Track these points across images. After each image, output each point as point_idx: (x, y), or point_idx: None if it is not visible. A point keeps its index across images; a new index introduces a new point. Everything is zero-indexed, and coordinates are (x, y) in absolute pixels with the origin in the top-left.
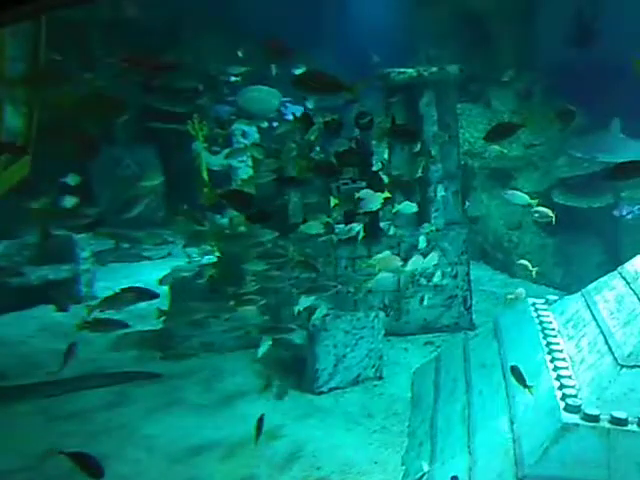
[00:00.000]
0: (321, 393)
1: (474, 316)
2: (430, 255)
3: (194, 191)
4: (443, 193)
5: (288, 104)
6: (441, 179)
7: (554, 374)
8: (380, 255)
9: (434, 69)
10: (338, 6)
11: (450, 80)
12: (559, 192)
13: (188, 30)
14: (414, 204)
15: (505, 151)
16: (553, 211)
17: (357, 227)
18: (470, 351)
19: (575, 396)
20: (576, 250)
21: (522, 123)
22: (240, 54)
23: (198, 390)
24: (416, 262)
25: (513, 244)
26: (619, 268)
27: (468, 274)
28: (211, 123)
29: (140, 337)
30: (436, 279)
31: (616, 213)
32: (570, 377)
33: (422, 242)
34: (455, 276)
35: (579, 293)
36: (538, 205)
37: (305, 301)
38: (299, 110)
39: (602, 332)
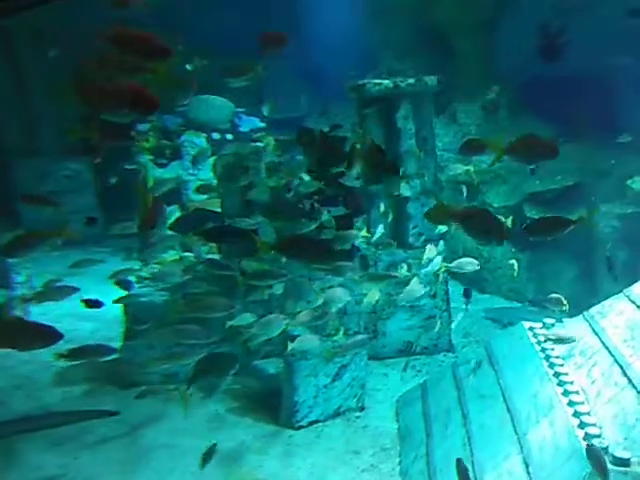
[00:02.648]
0: (300, 427)
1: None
2: (412, 281)
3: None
4: (421, 210)
5: (242, 115)
6: (418, 195)
7: (570, 410)
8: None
9: (411, 80)
10: (295, 18)
11: (428, 92)
12: (531, 206)
13: None
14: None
15: (471, 169)
16: (514, 222)
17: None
18: (462, 379)
19: (599, 436)
20: (549, 265)
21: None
22: (189, 67)
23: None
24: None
25: (483, 259)
26: (625, 291)
27: (447, 293)
28: (158, 134)
29: (90, 368)
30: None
31: None
32: (589, 413)
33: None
34: (434, 295)
35: (580, 317)
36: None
37: (244, 318)
38: (253, 121)
39: (617, 362)
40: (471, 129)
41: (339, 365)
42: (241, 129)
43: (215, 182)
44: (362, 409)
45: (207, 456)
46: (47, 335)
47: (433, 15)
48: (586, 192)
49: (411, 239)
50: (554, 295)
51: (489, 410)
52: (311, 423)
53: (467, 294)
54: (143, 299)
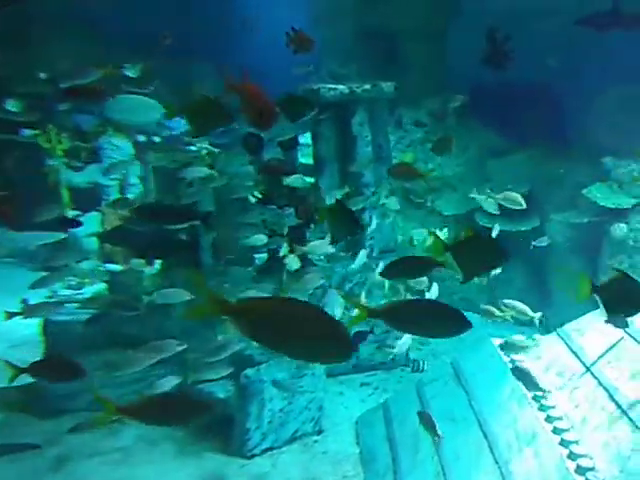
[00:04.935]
0: (253, 456)
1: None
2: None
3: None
4: (378, 220)
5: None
6: (375, 204)
7: (556, 438)
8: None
9: (367, 86)
10: (232, 19)
11: (383, 98)
12: (483, 215)
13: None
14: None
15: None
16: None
17: (294, 259)
18: (429, 400)
19: (593, 469)
20: (499, 274)
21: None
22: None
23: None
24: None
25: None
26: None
27: None
28: (72, 135)
29: (6, 395)
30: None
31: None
32: (577, 442)
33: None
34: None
35: (554, 334)
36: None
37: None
38: (185, 124)
39: (602, 385)
40: (418, 136)
41: (296, 387)
42: (172, 131)
43: (140, 186)
44: (320, 432)
45: None
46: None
47: (378, 19)
48: (537, 201)
49: (368, 250)
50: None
51: (463, 435)
52: (265, 451)
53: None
54: (65, 318)
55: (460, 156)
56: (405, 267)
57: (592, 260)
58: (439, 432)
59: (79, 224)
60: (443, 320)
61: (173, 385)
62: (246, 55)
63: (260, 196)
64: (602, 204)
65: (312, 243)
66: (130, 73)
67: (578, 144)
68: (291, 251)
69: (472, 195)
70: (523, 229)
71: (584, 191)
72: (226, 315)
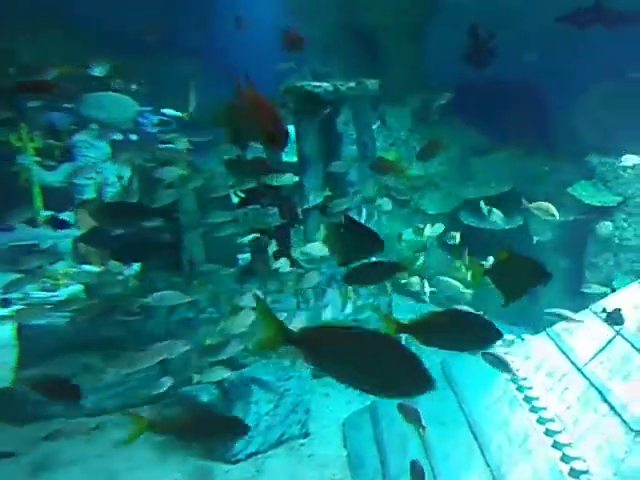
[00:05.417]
0: (238, 461)
1: None
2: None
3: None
4: (364, 220)
5: (147, 114)
6: (360, 203)
7: (548, 440)
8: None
9: (352, 84)
10: (209, 15)
11: (368, 96)
12: (467, 213)
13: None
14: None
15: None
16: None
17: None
18: (418, 401)
19: (587, 472)
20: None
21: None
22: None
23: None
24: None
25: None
26: (593, 307)
27: (390, 305)
28: (44, 133)
29: None
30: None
31: None
32: (570, 445)
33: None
34: (377, 308)
35: (543, 333)
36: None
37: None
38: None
39: (593, 385)
40: (401, 134)
41: (283, 389)
42: (147, 129)
43: (118, 185)
44: (306, 435)
45: None
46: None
47: (360, 17)
48: (521, 199)
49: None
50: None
51: (453, 438)
52: (250, 455)
53: None
54: (40, 321)
55: (443, 154)
56: (368, 272)
57: (577, 258)
58: (423, 424)
59: (68, 225)
60: (474, 332)
61: (167, 387)
62: (228, 52)
63: (242, 195)
64: (587, 202)
65: (309, 245)
66: (97, 72)
67: (562, 142)
68: (281, 252)
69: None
70: (507, 227)
71: (569, 189)
72: (293, 345)
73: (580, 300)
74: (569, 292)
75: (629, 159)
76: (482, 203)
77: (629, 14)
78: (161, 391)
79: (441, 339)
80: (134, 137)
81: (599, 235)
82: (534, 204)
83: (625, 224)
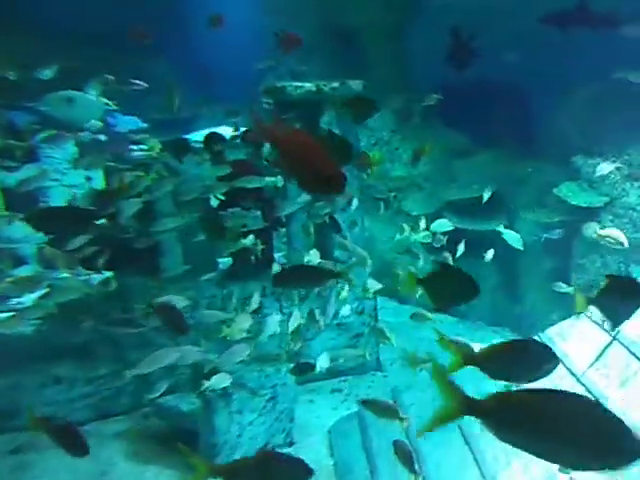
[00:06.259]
0: None
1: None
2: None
3: None
4: (346, 225)
5: (117, 114)
6: (344, 208)
7: None
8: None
9: (335, 84)
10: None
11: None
12: (450, 214)
13: None
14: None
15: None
16: (443, 235)
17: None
18: (407, 407)
19: None
20: (470, 273)
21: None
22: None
23: None
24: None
25: (403, 269)
26: (588, 312)
27: (375, 309)
28: (4, 133)
29: None
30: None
31: None
32: None
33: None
34: (361, 312)
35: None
36: None
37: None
38: (133, 121)
39: (590, 392)
40: (383, 135)
41: (267, 398)
42: (117, 129)
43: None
44: (291, 444)
45: None
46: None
47: (340, 16)
48: (505, 201)
49: (337, 253)
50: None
51: (445, 446)
52: None
53: None
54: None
55: (426, 155)
56: (299, 276)
57: (563, 259)
58: (417, 470)
59: None
60: (538, 362)
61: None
62: (203, 51)
63: (223, 198)
64: (574, 203)
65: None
66: (43, 75)
67: (545, 143)
68: (264, 255)
69: None
70: (491, 229)
71: (555, 190)
72: (477, 416)
73: (566, 302)
74: (555, 294)
75: (604, 167)
76: (502, 227)
77: (613, 15)
78: (156, 395)
79: (506, 370)
80: (103, 137)
81: (585, 236)
82: (605, 231)
83: (612, 225)
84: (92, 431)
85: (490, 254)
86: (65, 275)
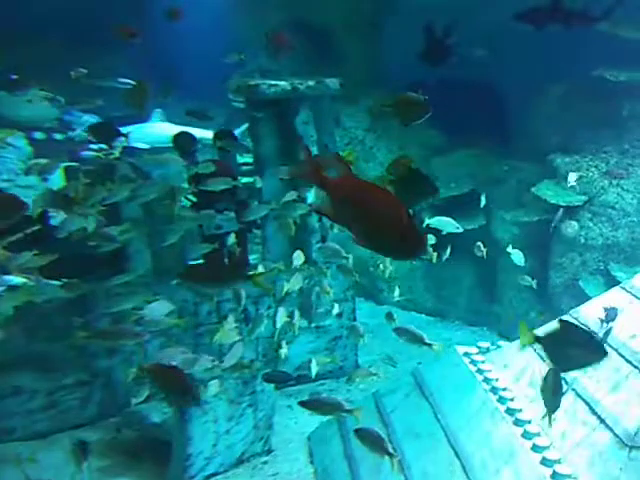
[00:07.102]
0: None
1: None
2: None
3: None
4: (325, 223)
5: (75, 112)
6: None
7: (536, 456)
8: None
9: (311, 82)
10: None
11: (328, 95)
12: (429, 214)
13: None
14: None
15: None
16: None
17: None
18: (390, 413)
19: None
20: (446, 273)
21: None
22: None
23: None
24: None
25: (379, 269)
26: (572, 312)
27: (354, 311)
28: None
29: None
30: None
31: None
32: (559, 461)
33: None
34: (340, 315)
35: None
36: None
37: None
38: (92, 120)
39: (580, 397)
40: (358, 134)
41: (245, 405)
42: (75, 127)
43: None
44: (269, 452)
45: None
46: None
47: (311, 12)
48: (482, 199)
49: (314, 255)
50: None
51: (431, 453)
52: (209, 477)
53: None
54: None
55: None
56: (209, 275)
57: (542, 258)
58: (389, 450)
59: None
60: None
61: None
62: (166, 46)
63: (195, 199)
64: (553, 202)
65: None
66: None
67: (522, 141)
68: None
69: None
70: (469, 228)
71: (533, 189)
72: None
73: (546, 301)
74: (534, 292)
75: (572, 176)
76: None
77: (588, 13)
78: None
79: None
80: (59, 136)
81: (564, 235)
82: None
83: (591, 223)
84: (54, 443)
85: (482, 248)
86: (20, 280)
